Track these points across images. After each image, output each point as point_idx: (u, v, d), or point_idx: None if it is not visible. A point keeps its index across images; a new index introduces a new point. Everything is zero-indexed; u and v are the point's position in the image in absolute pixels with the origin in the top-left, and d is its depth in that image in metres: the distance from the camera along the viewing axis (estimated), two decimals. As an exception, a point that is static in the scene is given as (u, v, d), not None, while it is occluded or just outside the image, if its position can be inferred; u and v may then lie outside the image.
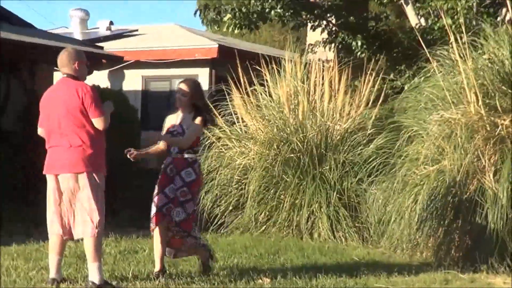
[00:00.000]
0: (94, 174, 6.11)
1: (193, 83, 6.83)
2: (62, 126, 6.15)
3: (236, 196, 9.50)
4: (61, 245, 6.21)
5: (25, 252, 7.50)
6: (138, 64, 16.99)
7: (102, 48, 13.52)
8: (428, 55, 8.50)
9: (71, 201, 6.13)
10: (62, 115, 6.15)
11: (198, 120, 6.65)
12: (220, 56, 16.27)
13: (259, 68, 10.26)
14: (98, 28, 20.99)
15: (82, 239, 6.17)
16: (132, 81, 17.31)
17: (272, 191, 9.37)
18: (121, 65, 16.13)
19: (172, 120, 6.78)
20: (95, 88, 6.42)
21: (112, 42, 18.36)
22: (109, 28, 20.51)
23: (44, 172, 6.26)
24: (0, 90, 11.21)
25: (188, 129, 6.62)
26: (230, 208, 9.44)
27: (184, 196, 6.54)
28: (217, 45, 16.54)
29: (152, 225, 6.53)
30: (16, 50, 10.69)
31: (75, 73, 6.30)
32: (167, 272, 6.58)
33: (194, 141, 6.67)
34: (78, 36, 19.38)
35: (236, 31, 13.87)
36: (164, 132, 6.75)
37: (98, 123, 6.13)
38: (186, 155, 6.62)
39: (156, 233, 6.55)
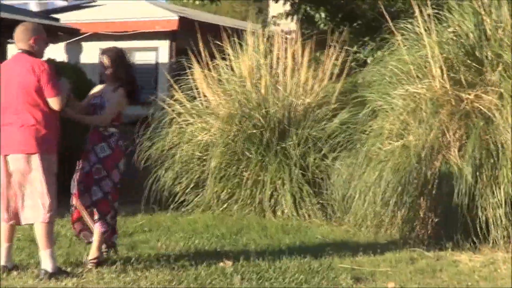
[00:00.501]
0: (46, 156, 5.83)
1: (115, 54, 6.40)
2: (14, 104, 5.85)
3: (198, 173, 9.30)
4: (9, 232, 5.92)
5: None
6: (96, 37, 16.73)
7: (58, 20, 13.18)
8: (393, 28, 8.37)
9: (21, 183, 5.87)
10: (15, 93, 5.85)
11: (119, 92, 6.29)
12: (180, 29, 16.13)
13: (220, 42, 10.01)
14: None
15: (32, 224, 5.92)
16: (90, 54, 16.91)
17: (234, 167, 9.19)
18: (78, 38, 15.85)
19: (97, 89, 6.47)
20: (52, 65, 6.13)
21: (69, 13, 18.02)
22: None
23: None
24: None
25: (108, 101, 6.26)
26: (191, 185, 9.23)
27: (98, 173, 6.19)
28: (177, 17, 16.37)
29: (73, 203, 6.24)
30: None
31: (31, 49, 5.99)
32: (113, 256, 6.32)
33: (114, 116, 6.31)
34: (33, 7, 18.97)
35: (197, 2, 13.59)
36: (85, 100, 6.39)
37: (54, 102, 5.87)
38: (101, 129, 6.26)
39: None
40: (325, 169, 8.67)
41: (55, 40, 12.74)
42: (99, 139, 6.24)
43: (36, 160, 5.82)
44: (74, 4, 19.57)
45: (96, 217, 6.22)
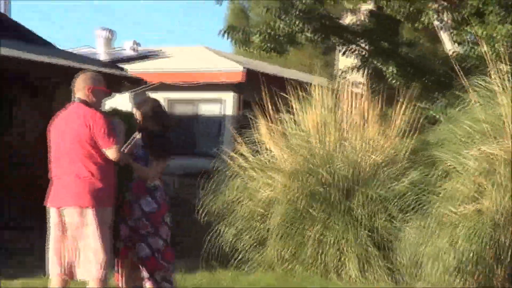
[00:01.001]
0: (101, 210, 5.65)
1: (149, 108, 6.23)
2: (69, 155, 5.71)
3: (260, 230, 9.03)
4: (62, 286, 5.74)
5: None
6: (162, 87, 16.66)
7: (122, 69, 13.17)
8: (465, 84, 8.06)
9: (76, 238, 5.68)
10: (69, 144, 5.71)
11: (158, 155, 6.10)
12: (245, 80, 15.97)
13: (286, 95, 9.82)
14: (123, 48, 20.78)
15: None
16: None
17: (297, 226, 8.87)
18: (144, 88, 15.86)
19: (139, 136, 6.28)
20: (107, 116, 5.98)
21: (137, 63, 18.12)
22: (134, 49, 20.29)
23: (46, 204, 5.80)
24: (16, 114, 10.91)
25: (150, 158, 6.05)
26: (253, 242, 8.97)
27: (145, 228, 5.94)
28: (242, 69, 16.22)
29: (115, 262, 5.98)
30: (30, 70, 10.36)
31: (87, 98, 5.89)
32: None
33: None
34: (102, 56, 19.18)
35: (266, 55, 13.44)
36: (127, 147, 6.18)
37: (110, 153, 5.71)
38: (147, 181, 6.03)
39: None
40: (393, 231, 8.31)
41: (120, 89, 12.70)
42: (144, 192, 6.04)
43: (90, 214, 5.65)
44: (142, 55, 19.69)
45: (144, 274, 5.97)
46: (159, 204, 6.03)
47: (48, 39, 12.77)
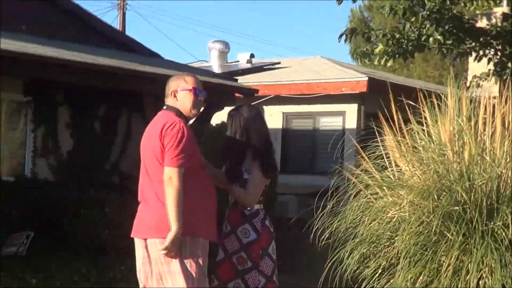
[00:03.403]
0: (188, 240, 5.02)
1: (244, 117, 5.65)
2: (150, 174, 5.11)
3: (387, 256, 8.31)
4: None
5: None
6: (278, 100, 16.63)
7: (235, 80, 12.83)
8: None
9: (161, 275, 5.05)
10: (149, 160, 5.09)
11: (256, 167, 5.48)
12: (369, 90, 15.57)
13: (415, 104, 9.15)
14: (238, 61, 20.74)
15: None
16: (272, 118, 16.77)
17: (431, 251, 8.08)
18: (260, 100, 15.61)
19: None
20: (191, 132, 5.25)
21: (252, 75, 17.96)
22: (249, 61, 20.20)
23: (131, 235, 5.27)
24: (119, 128, 10.63)
25: (249, 175, 5.41)
26: (380, 271, 8.28)
27: (242, 264, 5.28)
28: (366, 78, 15.80)
29: None
30: (136, 82, 10.09)
31: (173, 104, 5.21)
32: None
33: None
34: (216, 69, 19.08)
35: (389, 63, 12.74)
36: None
37: (167, 174, 4.97)
38: (242, 207, 5.38)
39: None
40: (545, 258, 7.42)
41: (232, 102, 12.29)
42: (241, 219, 5.39)
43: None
44: (257, 66, 19.47)
45: None
46: (259, 233, 5.38)
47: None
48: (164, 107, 5.33)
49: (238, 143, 5.58)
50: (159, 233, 5.05)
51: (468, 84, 12.39)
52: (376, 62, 12.71)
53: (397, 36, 11.52)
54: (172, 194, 4.95)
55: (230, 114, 5.73)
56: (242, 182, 5.51)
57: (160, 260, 5.04)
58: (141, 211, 5.22)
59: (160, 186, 5.04)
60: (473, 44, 12.23)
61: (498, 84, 12.23)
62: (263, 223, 5.46)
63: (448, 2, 11.33)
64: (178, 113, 5.23)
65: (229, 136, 5.64)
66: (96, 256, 10.97)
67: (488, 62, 12.58)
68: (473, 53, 12.78)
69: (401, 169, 8.97)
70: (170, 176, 4.97)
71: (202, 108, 5.61)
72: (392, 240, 8.39)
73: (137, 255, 5.22)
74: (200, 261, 5.12)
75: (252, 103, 14.95)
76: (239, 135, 5.55)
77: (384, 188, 8.90)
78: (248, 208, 5.44)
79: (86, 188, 11.49)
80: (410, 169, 8.85)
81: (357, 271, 8.29)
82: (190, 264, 5.07)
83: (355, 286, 8.21)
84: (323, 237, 8.51)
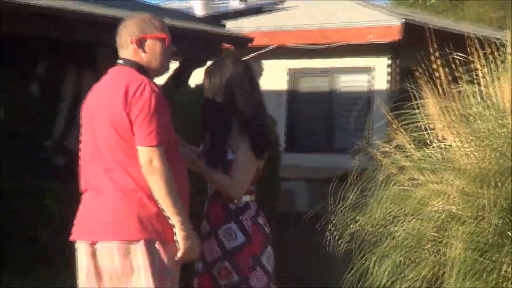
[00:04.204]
0: (158, 245, 4.88)
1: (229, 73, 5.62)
2: (104, 153, 4.96)
3: (432, 264, 8.41)
4: None
5: None
6: (282, 52, 16.66)
7: (223, 26, 12.87)
8: None
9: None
10: (103, 134, 4.97)
11: (243, 145, 5.41)
12: (405, 39, 15.68)
13: (467, 57, 9.21)
14: (227, 1, 20.89)
15: None
16: (273, 76, 16.88)
17: (490, 257, 8.15)
18: (256, 53, 15.67)
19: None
20: (160, 89, 5.13)
21: (246, 19, 18.15)
22: (243, 0, 20.29)
23: (71, 237, 5.13)
24: (66, 92, 10.64)
25: (234, 155, 5.34)
26: (423, 284, 8.31)
27: (227, 277, 5.17)
28: (400, 22, 15.94)
29: None
30: (88, 29, 9.99)
31: (136, 58, 5.13)
32: None
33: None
34: (198, 11, 19.35)
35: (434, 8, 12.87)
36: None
37: (143, 155, 4.92)
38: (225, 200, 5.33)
39: None
40: None
41: (218, 54, 12.34)
42: (224, 215, 5.26)
43: (140, 252, 4.96)
44: (253, 7, 19.59)
45: None
46: (248, 234, 5.24)
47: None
48: (121, 61, 5.20)
49: (218, 112, 5.49)
50: (117, 234, 4.93)
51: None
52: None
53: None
54: (159, 182, 4.90)
55: (207, 71, 5.67)
56: (225, 164, 5.40)
57: (116, 274, 4.92)
58: (87, 205, 5.10)
59: (120, 170, 4.97)
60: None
61: None
62: (254, 221, 5.34)
63: None
64: (142, 71, 5.12)
65: (207, 101, 5.56)
66: (31, 267, 10.80)
67: None
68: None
69: (448, 146, 9.10)
70: (151, 158, 4.92)
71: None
72: (438, 243, 8.52)
73: (80, 265, 5.08)
74: (174, 274, 5.05)
75: (245, 57, 15.08)
76: (220, 100, 5.46)
77: (426, 171, 9.05)
78: (234, 201, 5.31)
79: (19, 173, 11.40)
80: (460, 145, 8.94)
81: (390, 286, 8.37)
82: (164, 276, 4.98)
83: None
84: (342, 239, 8.67)
